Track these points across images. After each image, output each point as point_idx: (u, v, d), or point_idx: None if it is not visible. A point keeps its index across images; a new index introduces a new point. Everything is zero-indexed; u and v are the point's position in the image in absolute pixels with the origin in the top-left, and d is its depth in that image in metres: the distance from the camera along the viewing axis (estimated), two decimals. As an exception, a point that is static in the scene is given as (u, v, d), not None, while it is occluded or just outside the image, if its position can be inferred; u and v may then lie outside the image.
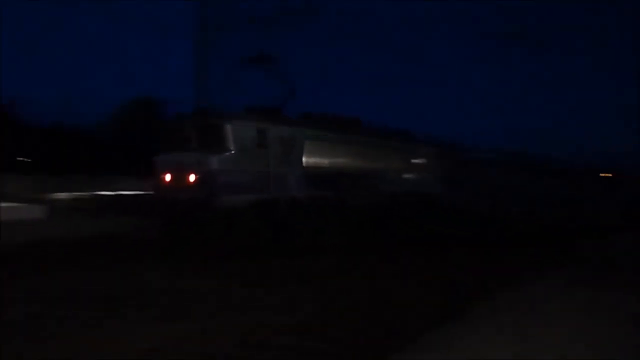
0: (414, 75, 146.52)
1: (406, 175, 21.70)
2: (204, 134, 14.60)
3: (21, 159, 34.41)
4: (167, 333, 6.05)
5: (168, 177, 14.32)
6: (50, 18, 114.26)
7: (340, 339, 6.00)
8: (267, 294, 8.01)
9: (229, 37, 42.35)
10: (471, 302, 7.36)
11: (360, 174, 18.79)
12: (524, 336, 5.66)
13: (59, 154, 35.21)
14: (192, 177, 13.91)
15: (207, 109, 15.83)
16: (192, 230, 13.16)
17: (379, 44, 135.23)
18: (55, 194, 26.58)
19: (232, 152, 14.45)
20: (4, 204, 18.64)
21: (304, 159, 16.50)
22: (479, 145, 39.63)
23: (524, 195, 28.58)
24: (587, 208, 26.75)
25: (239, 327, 6.26)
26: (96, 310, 7.00)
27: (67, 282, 8.71)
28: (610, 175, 66.48)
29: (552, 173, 50.03)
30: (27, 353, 5.50)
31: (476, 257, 11.50)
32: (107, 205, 23.95)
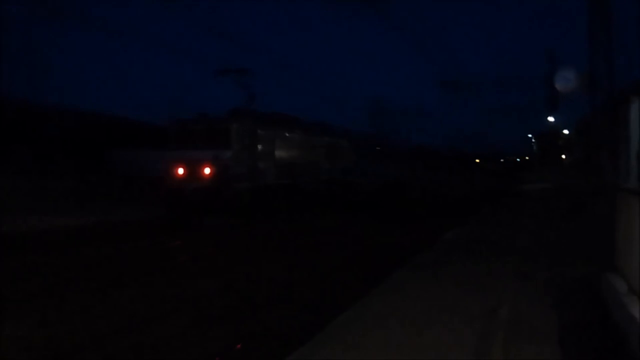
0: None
1: (332, 165, 25.50)
2: (211, 135, 17.34)
3: None
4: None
5: (181, 171, 17.16)
6: None
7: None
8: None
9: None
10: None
11: (305, 164, 22.46)
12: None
13: None
14: (207, 170, 16.96)
15: (208, 113, 18.59)
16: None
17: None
18: None
19: (236, 149, 17.55)
20: None
21: (275, 154, 19.99)
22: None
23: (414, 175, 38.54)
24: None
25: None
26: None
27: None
28: (477, 160, 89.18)
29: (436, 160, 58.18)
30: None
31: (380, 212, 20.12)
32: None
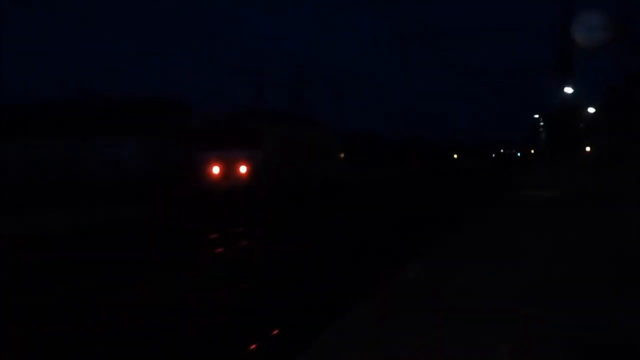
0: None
1: (327, 164, 25.65)
2: (244, 136, 18.71)
3: None
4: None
5: (217, 170, 18.54)
6: None
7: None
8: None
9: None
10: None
11: (305, 164, 22.87)
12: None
13: None
14: (243, 169, 18.42)
15: (240, 114, 20.50)
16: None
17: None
18: None
19: (266, 149, 18.95)
20: None
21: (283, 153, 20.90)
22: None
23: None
24: None
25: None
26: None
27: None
28: (455, 155, 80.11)
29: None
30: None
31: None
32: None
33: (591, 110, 31.64)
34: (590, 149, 33.39)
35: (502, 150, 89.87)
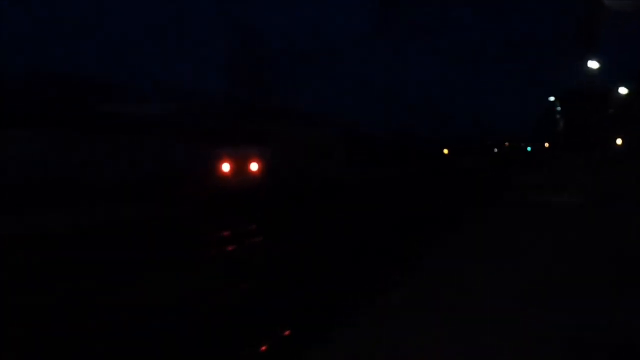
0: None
1: (327, 164, 26.12)
2: (254, 136, 19.93)
3: None
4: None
5: (228, 167, 19.52)
6: None
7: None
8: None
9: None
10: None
11: (305, 164, 23.46)
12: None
13: None
14: (254, 166, 19.50)
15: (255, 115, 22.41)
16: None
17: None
18: None
19: (275, 149, 20.10)
20: None
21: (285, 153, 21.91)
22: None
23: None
24: None
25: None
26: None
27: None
28: (447, 151, 65.12)
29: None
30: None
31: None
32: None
33: (623, 91, 25.30)
34: (622, 142, 27.19)
35: (507, 144, 75.08)
